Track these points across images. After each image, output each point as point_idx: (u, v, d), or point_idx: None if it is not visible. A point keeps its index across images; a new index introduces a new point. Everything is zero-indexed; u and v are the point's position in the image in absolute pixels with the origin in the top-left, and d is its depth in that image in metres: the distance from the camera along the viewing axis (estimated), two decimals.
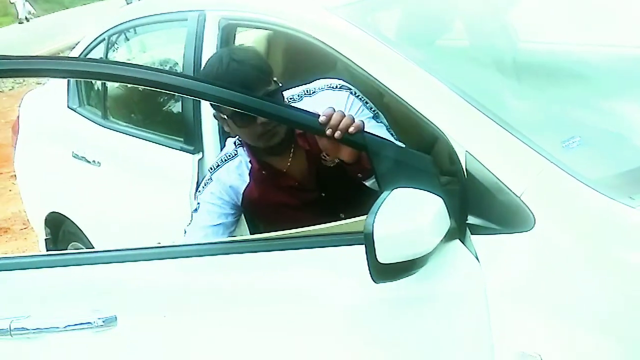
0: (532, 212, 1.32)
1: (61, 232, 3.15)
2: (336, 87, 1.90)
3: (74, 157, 2.75)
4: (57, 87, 3.05)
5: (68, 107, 2.89)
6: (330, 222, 1.54)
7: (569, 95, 1.69)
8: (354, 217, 1.44)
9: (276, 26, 1.93)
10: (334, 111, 1.50)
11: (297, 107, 1.66)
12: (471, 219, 1.41)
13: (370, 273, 1.28)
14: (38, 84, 3.92)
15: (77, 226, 2.95)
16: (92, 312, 1.50)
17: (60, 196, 3.05)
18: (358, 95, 1.87)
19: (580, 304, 1.26)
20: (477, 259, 1.38)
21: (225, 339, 1.51)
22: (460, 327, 1.39)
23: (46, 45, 14.37)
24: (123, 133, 2.60)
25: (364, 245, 1.27)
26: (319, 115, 1.51)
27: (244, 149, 1.93)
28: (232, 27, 2.17)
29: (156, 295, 1.53)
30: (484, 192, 1.39)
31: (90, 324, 1.50)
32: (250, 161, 1.92)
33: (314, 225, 1.51)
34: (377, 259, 1.26)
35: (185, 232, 1.92)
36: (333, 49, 1.70)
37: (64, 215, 3.01)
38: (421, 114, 1.49)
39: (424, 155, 1.44)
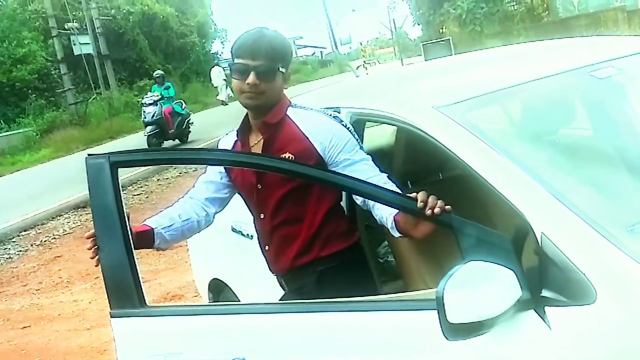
0: (594, 288, 1.49)
1: (221, 297, 3.58)
2: (331, 115, 2.27)
3: (232, 230, 3.20)
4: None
5: None
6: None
7: None
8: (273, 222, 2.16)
9: (393, 121, 2.24)
10: (427, 196, 1.79)
11: (400, 193, 1.94)
12: (544, 292, 1.60)
13: (442, 331, 1.51)
14: None
15: (233, 292, 3.37)
16: (227, 353, 1.84)
17: (220, 265, 3.51)
18: (348, 128, 2.24)
19: None
20: (549, 327, 1.56)
21: None
22: None
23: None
24: None
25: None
26: (417, 200, 1.80)
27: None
28: (361, 121, 2.52)
29: (277, 342, 1.84)
30: (555, 269, 1.58)
31: None
32: (237, 133, 2.35)
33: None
34: (447, 318, 1.49)
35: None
36: (439, 142, 1.98)
37: (223, 282, 3.45)
38: (511, 203, 1.71)
39: (501, 234, 1.67)
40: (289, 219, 2.23)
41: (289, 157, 2.16)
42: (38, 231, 9.53)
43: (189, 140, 16.48)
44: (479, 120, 2.03)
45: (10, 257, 8.42)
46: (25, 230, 9.61)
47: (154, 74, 17.10)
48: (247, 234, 3.09)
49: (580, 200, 1.67)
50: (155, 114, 15.23)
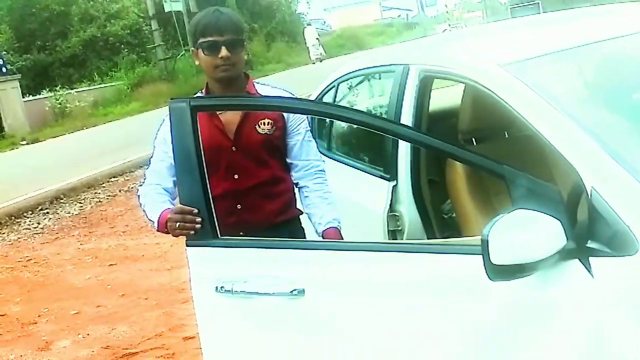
0: (637, 239, 1.56)
1: None
2: (289, 93, 2.42)
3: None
4: None
5: None
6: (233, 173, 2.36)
7: None
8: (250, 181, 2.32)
9: (460, 78, 2.31)
10: None
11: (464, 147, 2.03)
12: (590, 243, 1.67)
13: (486, 272, 1.61)
14: None
15: None
16: (289, 284, 2.01)
17: None
18: None
19: None
20: (592, 276, 1.64)
21: (377, 320, 1.94)
22: (575, 330, 1.64)
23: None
24: (342, 163, 3.16)
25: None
26: None
27: (202, 91, 2.45)
28: (429, 78, 2.60)
29: (335, 276, 1.99)
30: (603, 222, 1.65)
31: (286, 293, 2.01)
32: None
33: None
34: (490, 260, 1.59)
35: (144, 175, 2.45)
36: (502, 100, 2.04)
37: None
38: (565, 158, 1.78)
39: (551, 186, 1.74)
40: (269, 178, 2.40)
41: (268, 122, 2.36)
42: (126, 178, 10.08)
43: None
44: (542, 78, 2.07)
45: (99, 201, 8.96)
46: (114, 177, 10.18)
47: None
48: None
49: (632, 157, 1.72)
50: None
